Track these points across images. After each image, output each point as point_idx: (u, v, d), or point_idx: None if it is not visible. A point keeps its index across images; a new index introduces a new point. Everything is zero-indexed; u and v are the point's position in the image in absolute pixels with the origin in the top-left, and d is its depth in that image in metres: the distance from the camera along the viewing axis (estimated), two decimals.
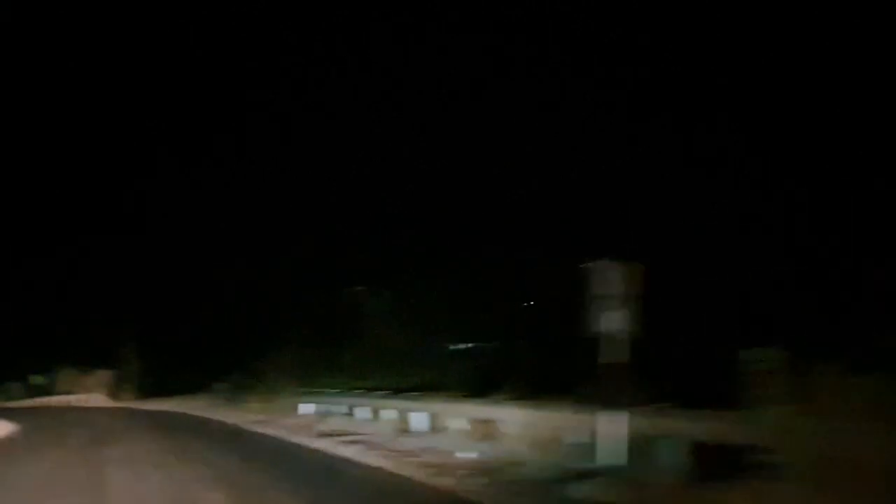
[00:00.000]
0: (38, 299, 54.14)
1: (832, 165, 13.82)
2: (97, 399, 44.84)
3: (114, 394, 45.60)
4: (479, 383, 12.74)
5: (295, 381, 21.03)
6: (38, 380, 48.80)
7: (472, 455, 10.29)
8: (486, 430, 11.13)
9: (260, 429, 17.10)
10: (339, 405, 17.30)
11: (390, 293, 37.30)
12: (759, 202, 14.81)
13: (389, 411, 14.57)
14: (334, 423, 16.23)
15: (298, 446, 13.16)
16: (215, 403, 28.26)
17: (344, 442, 13.04)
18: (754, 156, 15.24)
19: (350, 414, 16.65)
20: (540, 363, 12.44)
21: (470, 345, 19.17)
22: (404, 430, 13.50)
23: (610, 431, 7.15)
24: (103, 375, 46.35)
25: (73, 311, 50.78)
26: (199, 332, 44.11)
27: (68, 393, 47.33)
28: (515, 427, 10.29)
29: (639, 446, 7.18)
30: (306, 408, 19.10)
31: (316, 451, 12.22)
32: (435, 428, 12.84)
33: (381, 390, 15.90)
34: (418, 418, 13.14)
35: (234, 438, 15.44)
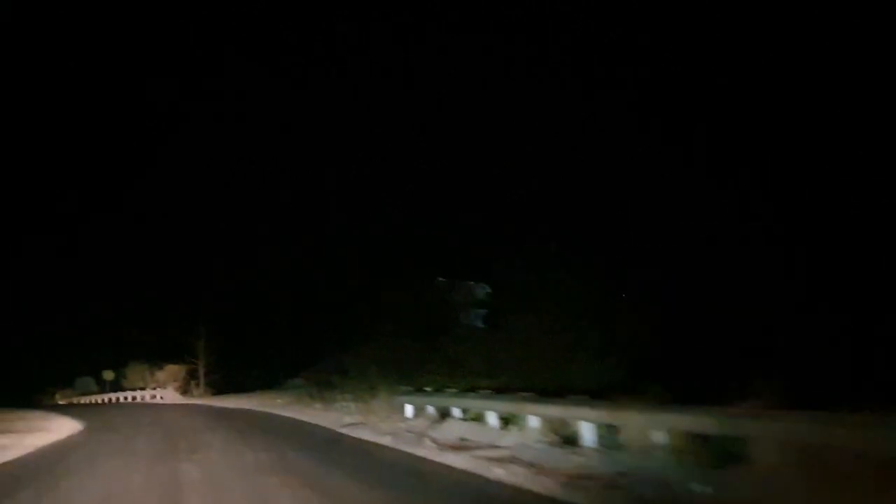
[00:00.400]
0: (109, 294, 53.40)
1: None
2: (168, 394, 43.20)
3: (185, 389, 43.85)
4: (683, 382, 9.34)
5: (393, 377, 17.99)
6: (109, 375, 47.77)
7: (710, 489, 6.91)
8: (708, 449, 7.75)
9: (361, 434, 14.08)
10: (452, 407, 14.10)
11: (485, 284, 34.34)
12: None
13: (533, 418, 11.27)
14: (455, 430, 13.06)
15: (429, 463, 9.98)
16: (295, 401, 25.58)
17: (487, 458, 9.81)
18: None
19: (472, 419, 13.46)
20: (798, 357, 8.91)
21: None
22: (564, 443, 10.21)
23: None
24: (175, 370, 44.74)
25: (145, 306, 49.66)
26: (272, 326, 42.01)
27: (140, 388, 46.03)
28: (778, 448, 6.86)
29: None
30: (410, 409, 16.03)
31: (460, 473, 9.02)
32: (608, 441, 9.50)
33: (515, 391, 12.60)
34: (586, 428, 9.79)
35: (336, 447, 12.42)
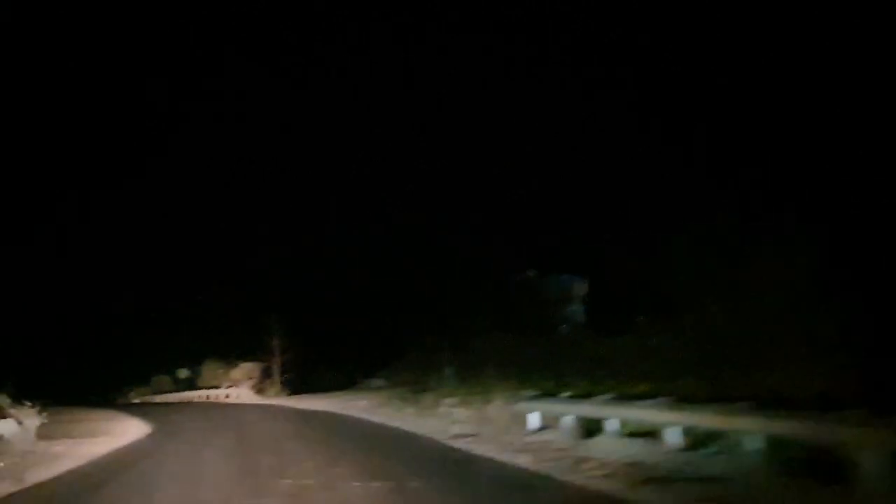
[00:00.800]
0: (185, 292, 52.35)
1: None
2: (243, 393, 41.26)
3: (260, 388, 41.85)
4: None
5: (509, 378, 14.86)
6: (183, 373, 46.39)
7: None
8: None
9: (485, 451, 10.96)
10: (608, 419, 10.83)
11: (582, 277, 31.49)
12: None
13: (752, 437, 7.94)
14: (614, 449, 9.82)
15: None
16: (382, 403, 22.75)
17: (711, 500, 6.55)
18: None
19: (633, 434, 10.21)
20: None
21: None
22: (805, 471, 6.88)
23: None
24: (249, 368, 42.80)
25: (220, 303, 48.21)
26: (349, 323, 39.71)
27: (214, 386, 44.38)
28: None
29: None
30: (536, 418, 12.85)
31: None
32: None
33: (710, 400, 9.26)
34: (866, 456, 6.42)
35: (467, 472, 9.34)
